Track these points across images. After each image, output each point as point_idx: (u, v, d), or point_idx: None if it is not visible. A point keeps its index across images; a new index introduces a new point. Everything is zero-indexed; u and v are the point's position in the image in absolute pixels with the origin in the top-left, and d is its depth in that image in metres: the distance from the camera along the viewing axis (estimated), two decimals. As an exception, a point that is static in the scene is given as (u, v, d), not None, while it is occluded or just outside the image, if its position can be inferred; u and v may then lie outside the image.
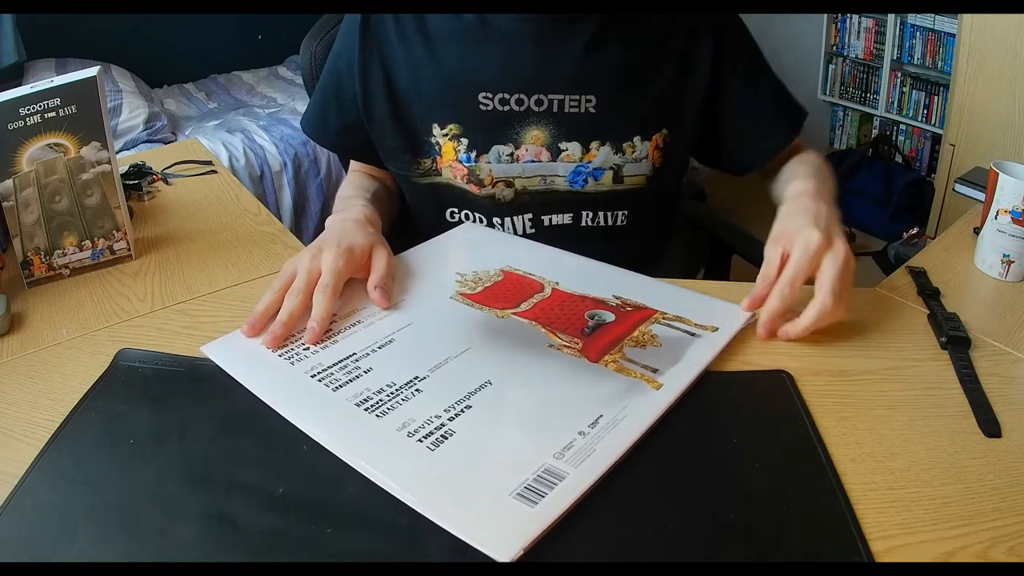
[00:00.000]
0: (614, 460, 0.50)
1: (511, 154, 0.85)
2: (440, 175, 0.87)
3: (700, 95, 0.87)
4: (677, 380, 0.58)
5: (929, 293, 0.73)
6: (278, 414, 0.55)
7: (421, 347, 0.62)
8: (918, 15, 2.59)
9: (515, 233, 0.88)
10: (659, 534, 0.46)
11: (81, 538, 0.45)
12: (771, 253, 0.67)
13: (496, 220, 0.88)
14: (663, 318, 0.66)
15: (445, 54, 0.84)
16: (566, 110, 0.84)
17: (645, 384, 0.58)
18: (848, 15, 2.86)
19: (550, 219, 0.89)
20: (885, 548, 0.45)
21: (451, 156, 0.85)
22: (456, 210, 0.90)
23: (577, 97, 0.83)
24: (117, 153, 1.13)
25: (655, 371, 0.59)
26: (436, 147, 0.86)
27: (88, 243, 0.79)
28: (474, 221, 0.89)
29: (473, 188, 0.87)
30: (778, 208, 0.75)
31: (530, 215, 0.88)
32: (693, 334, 0.64)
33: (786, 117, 0.92)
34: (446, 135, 0.85)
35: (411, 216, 0.96)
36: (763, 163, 0.93)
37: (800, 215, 0.69)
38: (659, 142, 0.87)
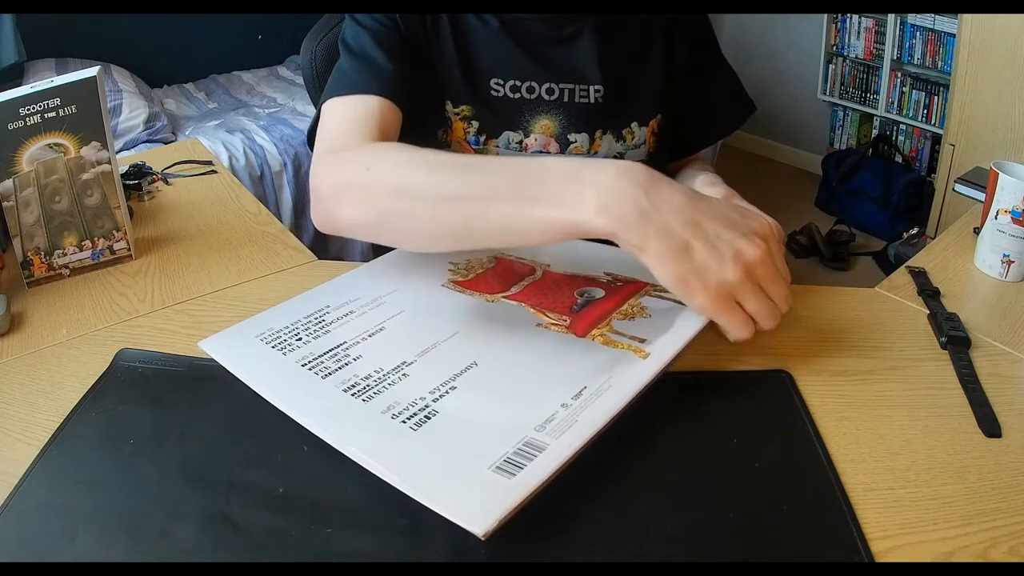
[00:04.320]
0: (597, 429, 0.50)
1: (520, 142, 0.86)
2: (449, 148, 0.87)
3: (679, 79, 0.90)
4: (665, 348, 0.58)
5: (929, 293, 0.73)
6: (277, 414, 0.55)
7: (411, 334, 0.62)
8: (918, 15, 2.59)
9: None
10: (658, 534, 0.46)
11: (81, 538, 0.45)
12: None
13: None
14: (653, 290, 0.67)
15: (463, 40, 0.85)
16: (576, 100, 0.85)
17: (632, 354, 0.58)
18: (848, 15, 2.86)
19: None
20: (885, 548, 0.45)
21: (460, 135, 0.86)
22: None
23: (587, 88, 0.85)
24: (117, 153, 1.13)
25: (642, 341, 0.59)
26: (448, 122, 0.86)
27: (88, 243, 0.79)
28: None
29: None
30: None
31: None
32: (682, 303, 0.64)
33: (729, 111, 0.95)
34: (457, 114, 0.85)
35: None
36: (692, 151, 0.97)
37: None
38: (655, 127, 0.89)
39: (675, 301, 0.64)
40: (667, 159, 0.98)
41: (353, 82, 0.77)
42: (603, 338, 0.60)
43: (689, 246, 0.54)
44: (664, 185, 0.56)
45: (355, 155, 0.69)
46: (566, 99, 0.85)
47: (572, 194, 0.56)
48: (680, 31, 0.89)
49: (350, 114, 0.75)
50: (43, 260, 0.77)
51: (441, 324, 0.63)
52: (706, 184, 0.80)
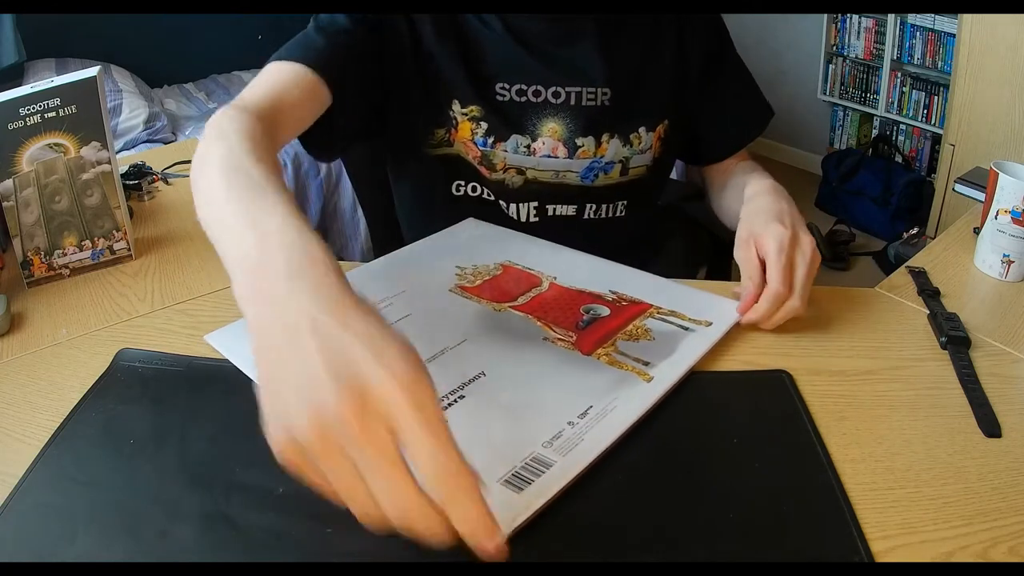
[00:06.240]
0: (602, 450, 0.50)
1: (528, 146, 0.85)
2: (452, 146, 0.87)
3: (693, 86, 0.90)
4: (668, 373, 0.59)
5: (929, 293, 0.73)
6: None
7: (418, 338, 0.61)
8: (918, 15, 2.59)
9: (519, 220, 0.89)
10: (659, 534, 0.46)
11: (81, 538, 0.45)
12: (745, 255, 0.68)
13: (502, 203, 0.89)
14: (658, 312, 0.67)
15: (467, 43, 0.84)
16: (583, 103, 0.85)
17: (636, 377, 0.58)
18: (848, 15, 2.86)
19: (555, 209, 0.89)
20: (885, 548, 0.45)
21: (467, 135, 0.85)
22: (463, 183, 0.89)
23: (594, 90, 0.84)
24: (117, 153, 1.13)
25: (647, 364, 0.60)
26: (453, 121, 0.85)
27: (88, 243, 0.79)
28: (481, 194, 0.89)
29: (484, 170, 0.87)
30: (742, 210, 0.75)
31: (536, 203, 0.89)
32: (686, 328, 0.65)
33: (755, 114, 0.96)
34: (466, 114, 0.84)
35: (411, 195, 0.97)
36: (725, 156, 0.96)
37: (763, 214, 0.71)
38: (662, 132, 0.89)
39: (678, 326, 0.65)
40: (703, 163, 0.98)
41: (292, 51, 0.74)
42: (608, 358, 0.61)
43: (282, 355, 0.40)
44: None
45: (222, 118, 0.59)
46: (572, 102, 0.84)
47: (248, 285, 0.48)
48: (692, 36, 0.88)
49: (269, 77, 0.72)
50: (43, 260, 0.77)
51: (450, 330, 0.63)
52: (755, 194, 0.76)
